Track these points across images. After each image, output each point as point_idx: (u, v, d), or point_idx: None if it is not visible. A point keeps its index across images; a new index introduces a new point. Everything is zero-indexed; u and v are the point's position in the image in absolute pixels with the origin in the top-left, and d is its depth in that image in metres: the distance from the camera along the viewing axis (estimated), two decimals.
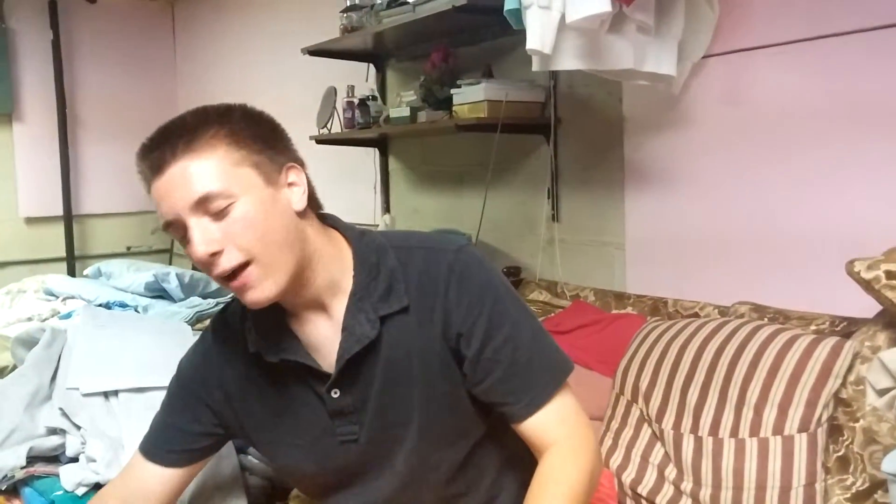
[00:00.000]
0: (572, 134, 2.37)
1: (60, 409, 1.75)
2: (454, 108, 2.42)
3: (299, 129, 3.08)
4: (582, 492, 1.11)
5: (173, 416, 1.29)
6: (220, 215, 1.05)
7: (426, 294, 1.16)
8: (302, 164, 1.16)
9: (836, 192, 1.74)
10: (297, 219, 1.12)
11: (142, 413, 1.72)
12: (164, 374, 1.81)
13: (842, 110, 1.73)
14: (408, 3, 2.47)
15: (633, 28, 1.79)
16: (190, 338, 2.14)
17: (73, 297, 3.50)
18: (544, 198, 2.45)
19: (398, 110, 2.67)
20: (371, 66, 3.13)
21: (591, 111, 2.30)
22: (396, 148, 3.15)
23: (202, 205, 1.05)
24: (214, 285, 3.56)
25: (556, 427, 1.16)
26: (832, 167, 1.75)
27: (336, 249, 1.19)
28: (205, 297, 3.40)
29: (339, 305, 1.18)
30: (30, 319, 3.16)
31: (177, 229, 1.08)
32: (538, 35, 1.69)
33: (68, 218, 4.53)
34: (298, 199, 1.12)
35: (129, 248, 4.82)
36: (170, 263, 4.61)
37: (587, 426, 1.20)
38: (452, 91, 2.42)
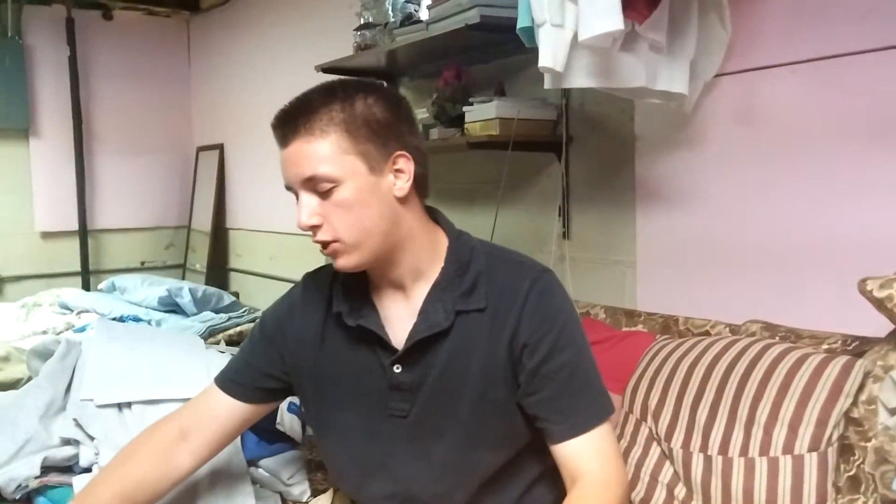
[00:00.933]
0: (584, 152, 2.38)
1: (74, 419, 1.76)
2: (466, 126, 2.43)
3: None
4: None
5: (251, 357, 1.43)
6: (325, 194, 1.18)
7: (504, 301, 1.25)
8: (418, 150, 1.25)
9: (848, 210, 1.75)
10: (397, 205, 1.23)
11: None
12: (177, 387, 1.84)
13: (854, 129, 1.73)
14: (421, 21, 2.49)
15: (646, 46, 1.80)
16: (203, 351, 2.16)
17: (87, 311, 3.54)
18: (555, 215, 2.46)
19: None
20: (384, 83, 3.15)
21: (603, 129, 2.31)
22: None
23: (310, 182, 1.19)
24: (227, 300, 3.58)
25: (592, 457, 1.21)
26: (844, 186, 1.75)
27: (431, 239, 1.30)
28: (217, 311, 3.44)
29: (420, 291, 1.28)
30: (44, 332, 3.20)
31: (293, 193, 1.23)
32: (550, 53, 1.70)
33: (83, 232, 4.57)
34: (401, 187, 1.22)
35: (143, 263, 4.85)
36: (183, 278, 4.64)
37: (621, 465, 1.25)
38: (464, 109, 2.44)
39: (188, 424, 1.40)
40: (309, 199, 1.20)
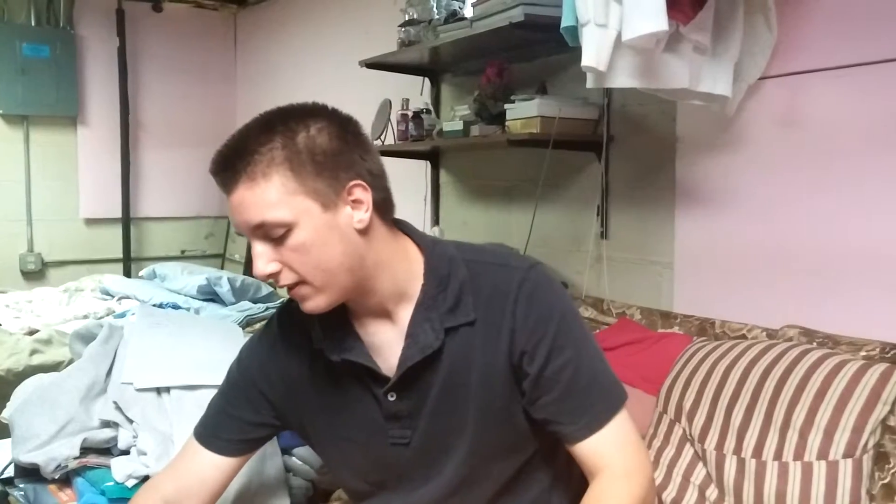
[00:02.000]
0: (624, 152, 2.37)
1: (114, 402, 1.80)
2: (507, 123, 2.44)
3: None
4: None
5: (231, 406, 1.32)
6: (279, 239, 1.09)
7: (494, 309, 1.18)
8: (373, 174, 1.15)
9: (890, 217, 1.72)
10: (358, 238, 1.13)
11: (192, 410, 1.76)
12: (216, 373, 1.86)
13: None
14: (465, 18, 2.50)
15: (690, 48, 1.79)
16: (241, 339, 2.19)
17: (127, 297, 3.60)
18: (593, 215, 2.45)
19: (451, 124, 2.70)
20: (426, 79, 3.17)
21: (644, 130, 2.30)
22: (448, 161, 3.18)
23: (260, 229, 1.09)
24: (265, 290, 3.62)
25: (612, 452, 1.16)
26: (887, 192, 1.73)
27: (405, 258, 1.20)
28: (255, 301, 3.48)
29: (404, 312, 1.20)
30: (85, 317, 3.26)
31: (247, 238, 1.13)
32: (594, 52, 1.70)
33: (126, 220, 4.65)
34: (360, 219, 1.12)
35: (183, 252, 4.93)
36: (222, 268, 4.70)
37: (643, 453, 1.20)
38: (506, 106, 2.44)
39: (173, 495, 1.29)
40: (263, 247, 1.10)
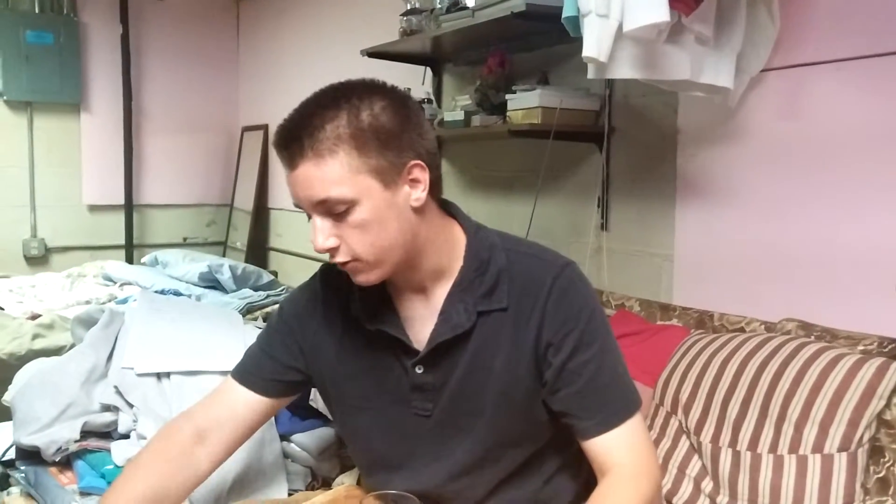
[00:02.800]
0: (625, 143, 2.37)
1: (115, 387, 1.81)
2: (508, 114, 2.44)
3: None
4: None
5: (270, 348, 1.37)
6: (339, 215, 1.12)
7: (527, 299, 1.22)
8: (430, 153, 1.18)
9: (891, 211, 1.72)
10: (413, 216, 1.17)
11: (192, 395, 1.77)
12: (216, 359, 1.88)
13: None
14: (467, 8, 2.49)
15: (692, 39, 1.79)
16: (241, 327, 2.20)
17: (129, 284, 3.62)
18: (594, 206, 2.45)
19: (453, 114, 2.70)
20: (428, 69, 3.17)
21: (646, 121, 2.30)
22: (449, 151, 3.18)
23: (322, 205, 1.12)
24: (266, 278, 3.63)
25: (622, 452, 1.19)
26: (888, 187, 1.72)
27: (449, 239, 1.25)
28: (256, 289, 3.49)
29: (440, 290, 1.25)
30: (88, 303, 3.28)
31: (306, 212, 1.16)
32: (595, 43, 1.70)
33: (129, 207, 4.67)
34: (417, 197, 1.16)
35: (185, 239, 4.94)
36: (224, 255, 4.71)
37: (653, 458, 1.23)
38: (507, 97, 2.44)
39: (204, 425, 1.32)
40: (323, 222, 1.14)
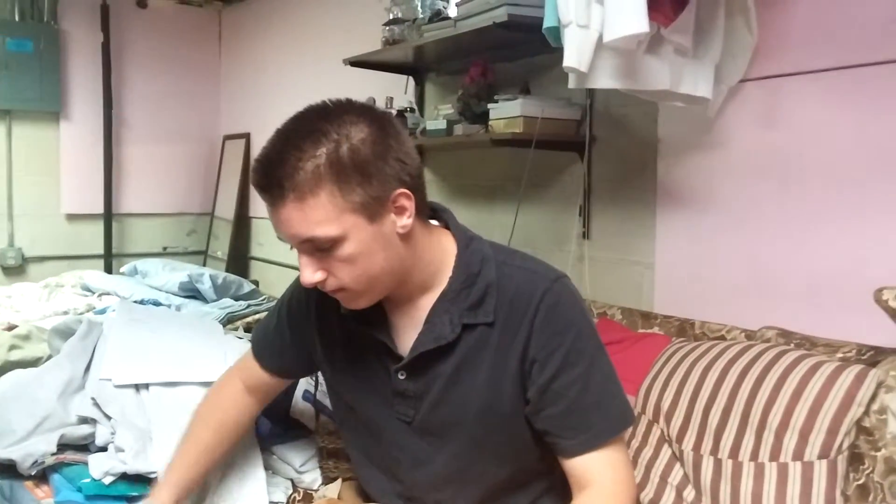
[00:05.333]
0: (606, 152, 2.38)
1: (93, 398, 1.79)
2: (490, 123, 2.44)
3: None
4: None
5: (276, 334, 1.48)
6: (325, 251, 1.12)
7: (514, 313, 1.20)
8: (413, 177, 1.16)
9: (869, 220, 1.74)
10: (400, 241, 1.16)
11: (171, 407, 1.75)
12: (195, 370, 1.86)
13: (880, 139, 1.72)
14: (449, 18, 2.50)
15: (671, 49, 1.80)
16: (222, 337, 2.19)
17: (108, 294, 3.58)
18: (575, 215, 2.46)
19: (435, 123, 2.70)
20: (410, 78, 3.17)
21: (626, 131, 2.31)
22: (431, 160, 3.18)
23: (308, 243, 1.12)
24: (246, 287, 3.61)
25: (602, 470, 1.19)
26: (867, 196, 1.74)
27: (439, 251, 1.25)
28: (237, 298, 3.47)
29: (427, 301, 1.25)
30: (66, 313, 3.23)
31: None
32: (575, 53, 1.71)
33: (108, 216, 4.63)
34: (403, 224, 1.15)
35: (165, 249, 4.91)
36: (204, 265, 4.69)
37: (631, 477, 1.23)
38: (489, 106, 2.44)
39: (247, 385, 1.53)
40: (310, 258, 1.14)
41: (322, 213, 1.08)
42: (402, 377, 1.25)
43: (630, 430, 1.25)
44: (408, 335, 1.25)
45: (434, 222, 1.30)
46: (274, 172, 1.09)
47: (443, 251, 1.25)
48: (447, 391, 1.23)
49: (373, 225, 1.12)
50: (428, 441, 1.27)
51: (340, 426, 1.49)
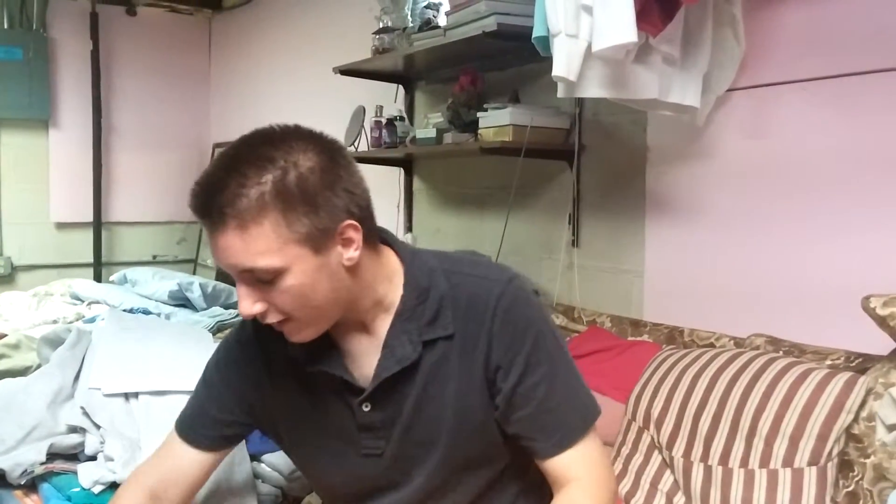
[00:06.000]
0: (595, 161, 2.39)
1: (82, 408, 1.78)
2: (480, 132, 2.45)
3: None
4: None
5: (209, 403, 1.31)
6: (266, 283, 1.05)
7: (471, 322, 1.17)
8: (362, 207, 1.11)
9: (857, 229, 1.75)
10: (346, 273, 1.11)
11: (161, 416, 1.75)
12: (185, 379, 1.85)
13: (865, 148, 1.74)
14: (439, 27, 2.51)
15: (659, 59, 1.82)
16: (211, 345, 2.18)
17: (98, 302, 3.56)
18: (565, 223, 2.47)
19: (425, 131, 2.71)
20: (400, 87, 3.18)
21: (615, 139, 2.33)
22: (421, 168, 3.19)
23: (248, 273, 1.05)
24: (236, 296, 3.60)
25: (580, 467, 1.17)
26: (854, 204, 1.76)
27: (386, 271, 1.19)
28: (226, 307, 3.45)
29: (382, 323, 1.18)
30: (55, 322, 3.21)
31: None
32: (564, 62, 1.72)
33: (97, 224, 4.61)
34: (350, 257, 1.09)
35: (154, 257, 4.89)
36: (194, 273, 4.67)
37: (609, 470, 1.22)
38: (479, 114, 2.45)
39: (157, 486, 1.28)
40: (249, 289, 1.07)
41: (264, 244, 1.02)
42: (366, 409, 1.19)
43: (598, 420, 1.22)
44: (366, 363, 1.19)
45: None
46: (215, 198, 1.02)
47: (391, 270, 1.19)
48: (417, 413, 1.19)
49: (318, 256, 1.06)
50: (403, 466, 1.23)
51: (303, 472, 1.41)
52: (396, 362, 1.16)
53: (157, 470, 1.31)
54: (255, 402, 1.29)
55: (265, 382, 1.27)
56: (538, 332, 1.17)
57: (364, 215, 1.11)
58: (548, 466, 1.18)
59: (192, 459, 1.30)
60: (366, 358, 1.19)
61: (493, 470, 1.25)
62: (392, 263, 1.20)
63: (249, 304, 1.07)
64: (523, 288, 1.20)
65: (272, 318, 1.09)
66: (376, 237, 1.18)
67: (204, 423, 1.30)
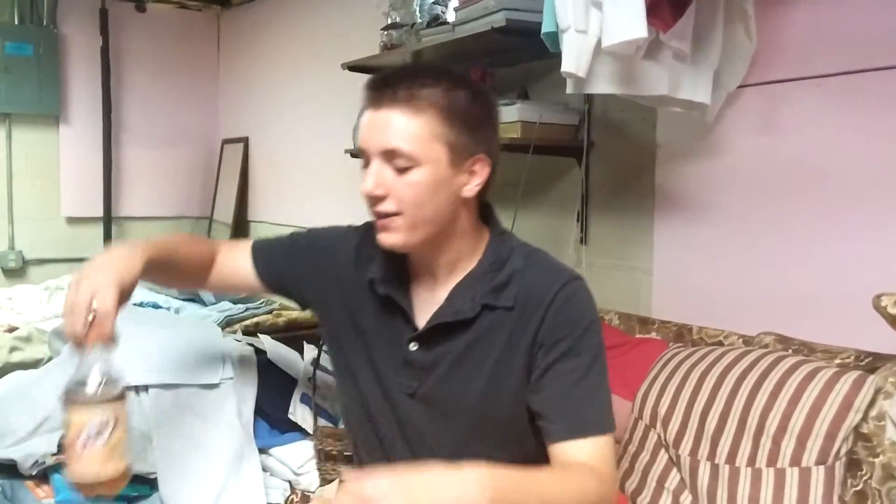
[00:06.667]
0: (604, 158, 2.39)
1: None
2: None
3: (335, 141, 3.13)
4: (571, 500, 1.13)
5: (287, 258, 1.47)
6: (398, 170, 1.18)
7: (532, 302, 1.25)
8: (495, 154, 1.26)
9: (869, 226, 1.74)
10: (459, 202, 1.24)
11: (170, 409, 1.76)
12: (194, 372, 1.87)
13: (879, 146, 1.72)
14: (447, 23, 2.50)
15: (670, 55, 1.81)
16: (220, 339, 2.19)
17: None
18: (573, 220, 2.46)
19: None
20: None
21: (625, 136, 2.32)
22: None
23: (388, 154, 1.18)
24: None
25: (587, 458, 1.19)
26: (866, 202, 1.74)
27: (476, 238, 1.31)
28: (235, 302, 3.46)
29: (451, 281, 1.29)
30: None
31: (364, 157, 1.22)
32: (574, 58, 1.71)
33: (108, 219, 4.62)
34: (470, 189, 1.23)
35: None
36: None
37: (614, 474, 1.27)
38: None
39: (218, 260, 1.48)
40: (381, 169, 1.19)
41: (419, 131, 1.16)
42: (413, 348, 1.29)
43: (613, 436, 1.24)
44: (427, 309, 1.29)
45: None
46: (398, 79, 1.18)
47: (479, 238, 1.31)
48: (455, 367, 1.27)
49: (448, 169, 1.19)
50: (428, 416, 1.29)
51: (340, 392, 1.49)
52: (453, 314, 1.26)
53: (226, 254, 1.50)
54: (322, 295, 1.42)
55: (345, 283, 1.38)
56: (587, 328, 1.25)
57: (494, 161, 1.26)
58: (555, 450, 1.21)
59: (246, 272, 1.48)
60: (428, 305, 1.30)
61: (515, 453, 1.27)
62: (482, 238, 1.32)
63: (375, 184, 1.19)
64: (586, 289, 1.30)
65: (387, 206, 1.20)
66: (489, 192, 1.30)
67: (270, 264, 1.48)
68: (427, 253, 1.28)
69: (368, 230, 1.38)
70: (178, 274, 1.45)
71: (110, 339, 1.17)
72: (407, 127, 1.16)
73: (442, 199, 1.20)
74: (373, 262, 1.34)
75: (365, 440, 1.39)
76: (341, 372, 1.43)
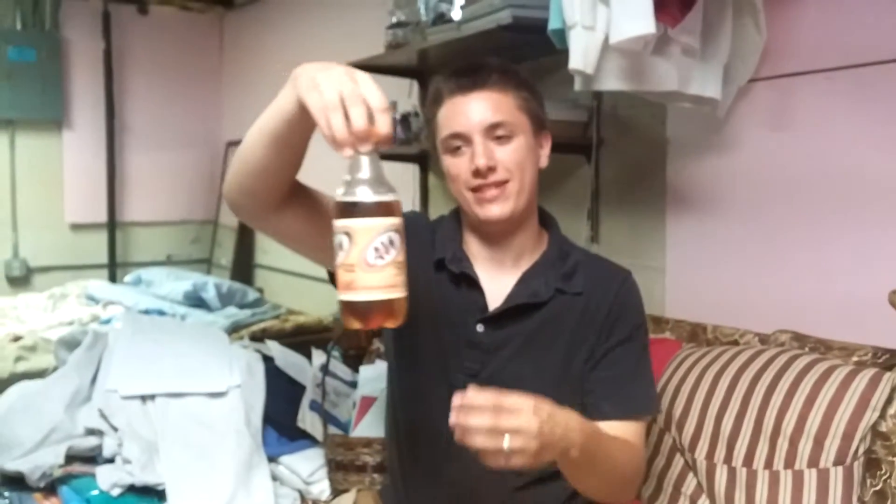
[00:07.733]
0: (614, 155, 2.36)
1: (99, 410, 1.78)
2: None
3: None
4: (622, 466, 1.25)
5: None
6: (500, 141, 1.30)
7: (599, 289, 1.37)
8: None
9: (883, 220, 1.71)
10: (537, 176, 1.36)
11: (177, 418, 1.74)
12: (201, 380, 1.85)
13: (892, 138, 1.70)
14: (453, 21, 2.48)
15: (678, 50, 1.78)
16: (227, 346, 2.17)
17: (113, 303, 3.58)
18: (584, 218, 2.44)
19: None
20: (415, 82, 3.15)
21: (634, 132, 2.29)
22: (436, 164, 3.16)
23: (491, 129, 1.29)
24: (251, 296, 3.59)
25: (631, 437, 1.31)
26: (881, 196, 1.72)
27: (538, 231, 1.43)
28: (241, 307, 3.46)
29: (519, 266, 1.38)
30: (71, 323, 3.23)
31: (459, 141, 1.32)
32: (581, 55, 1.69)
33: (112, 225, 4.62)
34: (545, 158, 1.38)
35: (169, 257, 4.89)
36: (208, 273, 4.68)
37: (644, 458, 1.37)
38: None
39: (310, 191, 1.41)
40: (487, 144, 1.28)
41: (513, 103, 1.31)
42: (479, 329, 1.34)
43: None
44: (498, 293, 1.35)
45: None
46: (488, 64, 1.33)
47: (540, 231, 1.43)
48: (524, 349, 1.33)
49: (533, 138, 1.34)
50: None
51: (395, 363, 1.47)
52: (529, 295, 1.34)
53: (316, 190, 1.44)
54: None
55: (421, 259, 1.38)
56: (643, 322, 1.41)
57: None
58: (603, 427, 1.26)
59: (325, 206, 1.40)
60: (500, 288, 1.36)
61: None
62: (543, 232, 1.44)
63: (486, 158, 1.28)
64: (638, 286, 1.45)
65: (500, 175, 1.29)
66: (539, 207, 1.46)
67: None
68: (511, 232, 1.36)
69: (441, 220, 1.49)
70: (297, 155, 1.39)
71: (391, 137, 1.06)
72: (503, 102, 1.30)
73: (533, 166, 1.33)
74: (443, 244, 1.41)
75: (414, 430, 1.41)
76: (401, 354, 1.45)
